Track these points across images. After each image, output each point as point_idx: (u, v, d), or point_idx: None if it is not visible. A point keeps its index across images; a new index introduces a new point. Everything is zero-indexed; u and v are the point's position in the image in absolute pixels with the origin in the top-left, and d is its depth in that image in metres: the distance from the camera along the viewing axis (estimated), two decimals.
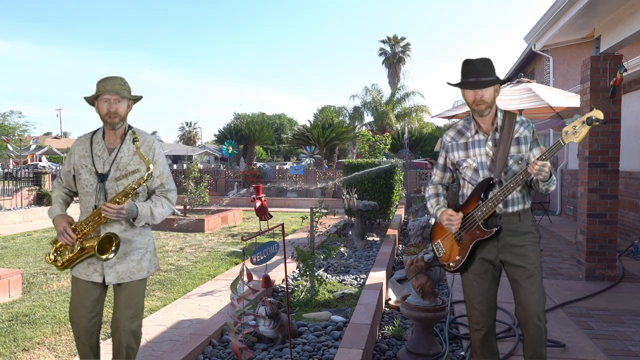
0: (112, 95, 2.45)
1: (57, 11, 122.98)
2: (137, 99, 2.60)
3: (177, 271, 6.33)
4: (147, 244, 2.64)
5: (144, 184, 2.50)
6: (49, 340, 3.91)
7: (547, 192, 2.42)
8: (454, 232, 2.49)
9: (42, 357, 3.62)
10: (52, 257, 2.56)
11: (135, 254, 2.57)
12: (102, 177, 2.50)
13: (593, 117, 2.16)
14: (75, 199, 2.73)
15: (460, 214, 2.43)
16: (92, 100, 2.52)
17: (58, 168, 23.53)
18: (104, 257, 2.41)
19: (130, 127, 2.61)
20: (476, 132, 2.48)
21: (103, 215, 2.41)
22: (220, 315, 3.90)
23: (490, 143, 2.44)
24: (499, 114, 2.46)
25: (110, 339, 2.71)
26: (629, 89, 7.71)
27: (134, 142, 2.49)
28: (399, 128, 30.11)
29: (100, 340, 2.80)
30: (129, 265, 2.55)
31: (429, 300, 3.29)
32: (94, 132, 2.63)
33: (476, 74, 2.35)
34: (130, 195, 2.44)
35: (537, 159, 2.24)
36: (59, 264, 2.53)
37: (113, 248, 2.42)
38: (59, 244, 2.53)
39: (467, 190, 2.52)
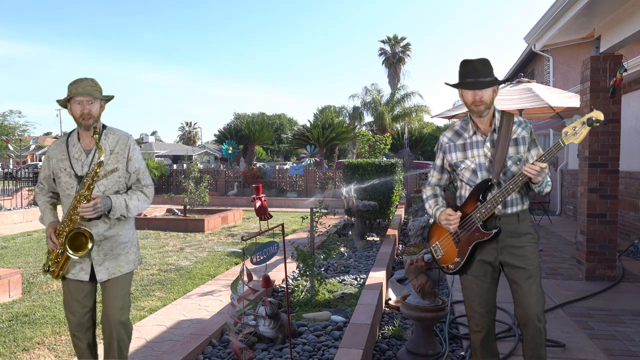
0: (84, 97, 2.47)
1: (57, 11, 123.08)
2: (108, 98, 2.62)
3: (177, 271, 6.34)
4: (132, 238, 2.70)
5: (100, 172, 2.48)
6: (49, 340, 3.91)
7: (541, 194, 2.41)
8: (453, 233, 2.49)
9: (42, 357, 3.62)
10: (46, 267, 2.59)
11: (122, 248, 2.62)
12: (81, 179, 2.52)
13: (593, 118, 2.14)
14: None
15: (459, 213, 2.43)
16: (64, 103, 2.53)
17: None
18: (79, 254, 2.43)
19: (104, 127, 2.63)
20: (474, 133, 2.47)
21: (81, 215, 2.43)
22: (220, 315, 3.90)
23: (488, 144, 2.43)
24: (497, 115, 2.45)
25: None
26: (629, 89, 7.71)
27: (92, 135, 2.49)
28: (399, 128, 30.11)
29: (99, 341, 2.80)
30: (117, 260, 2.60)
31: (429, 300, 3.29)
32: (69, 135, 2.64)
33: (475, 74, 2.34)
34: (92, 187, 2.46)
35: (537, 160, 2.22)
36: (55, 274, 2.55)
37: (89, 244, 2.44)
38: (52, 253, 2.56)
39: (465, 191, 2.51)
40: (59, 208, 2.71)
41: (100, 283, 2.60)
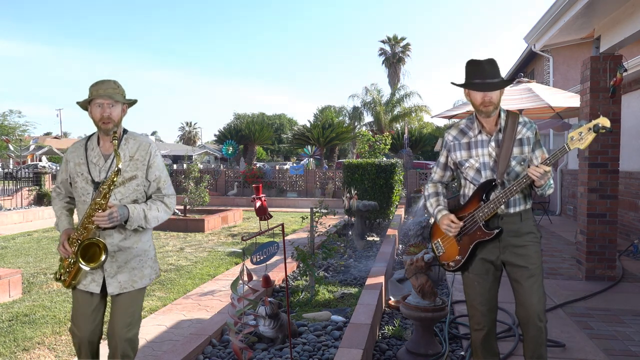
0: (105, 100, 2.36)
1: (57, 11, 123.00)
2: (131, 102, 2.51)
3: (177, 271, 6.34)
4: (147, 250, 2.56)
5: (117, 181, 2.36)
6: (49, 340, 3.92)
7: (544, 196, 2.42)
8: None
9: (42, 357, 3.62)
10: (58, 275, 2.49)
11: (137, 262, 2.49)
12: (98, 186, 2.41)
13: (600, 125, 2.14)
14: None
15: (461, 223, 2.43)
16: (85, 105, 2.43)
17: (58, 168, 23.51)
18: (91, 265, 2.33)
19: (125, 132, 2.52)
20: (479, 132, 2.47)
21: (96, 224, 2.33)
22: (220, 315, 3.90)
23: (493, 143, 2.43)
24: (502, 115, 2.46)
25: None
26: (629, 89, 7.71)
27: (112, 140, 2.38)
28: (399, 128, 30.10)
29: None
30: (130, 273, 2.47)
31: (429, 300, 3.29)
32: (89, 138, 2.54)
33: (483, 75, 2.34)
34: (108, 196, 2.34)
35: (541, 163, 2.24)
36: (66, 283, 2.45)
37: (103, 256, 2.34)
38: (64, 261, 2.46)
39: (469, 190, 2.52)
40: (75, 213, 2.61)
41: (111, 296, 2.49)
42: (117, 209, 2.33)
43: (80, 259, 2.33)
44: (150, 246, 2.60)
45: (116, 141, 2.38)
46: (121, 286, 2.45)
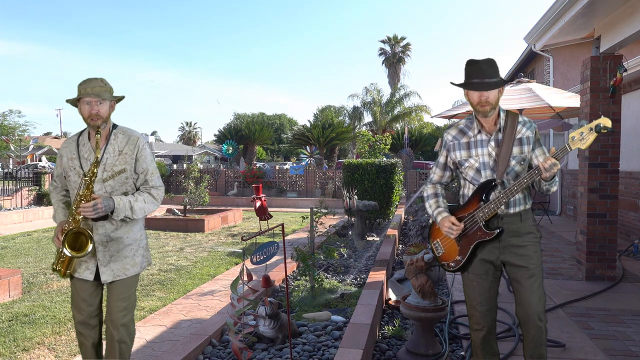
0: (92, 98, 2.46)
1: (57, 11, 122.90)
2: (119, 99, 2.61)
3: (177, 271, 6.34)
4: (139, 240, 2.67)
5: (96, 172, 2.47)
6: (49, 340, 3.92)
7: (549, 192, 2.42)
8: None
9: (42, 357, 3.62)
10: (54, 266, 2.57)
11: (128, 251, 2.60)
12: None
13: (601, 125, 2.14)
14: None
15: (462, 225, 2.43)
16: (75, 102, 2.53)
17: None
18: (79, 254, 2.42)
19: (115, 126, 2.62)
20: (479, 132, 2.47)
21: (83, 215, 2.43)
22: (220, 315, 3.91)
23: (492, 143, 2.43)
24: (502, 114, 2.46)
25: None
26: (629, 89, 7.71)
27: (95, 134, 2.48)
28: (399, 128, 30.10)
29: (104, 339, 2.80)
30: (123, 262, 2.58)
31: (429, 300, 3.29)
32: (80, 134, 2.64)
33: (481, 74, 2.34)
34: (91, 187, 2.44)
35: (551, 157, 2.25)
36: (61, 273, 2.54)
37: (89, 245, 2.42)
38: (59, 252, 2.55)
39: (468, 190, 2.51)
40: None
41: (106, 284, 2.60)
42: (102, 200, 2.43)
43: (66, 247, 2.41)
44: (142, 235, 2.70)
45: (99, 136, 2.49)
46: (114, 274, 2.56)
